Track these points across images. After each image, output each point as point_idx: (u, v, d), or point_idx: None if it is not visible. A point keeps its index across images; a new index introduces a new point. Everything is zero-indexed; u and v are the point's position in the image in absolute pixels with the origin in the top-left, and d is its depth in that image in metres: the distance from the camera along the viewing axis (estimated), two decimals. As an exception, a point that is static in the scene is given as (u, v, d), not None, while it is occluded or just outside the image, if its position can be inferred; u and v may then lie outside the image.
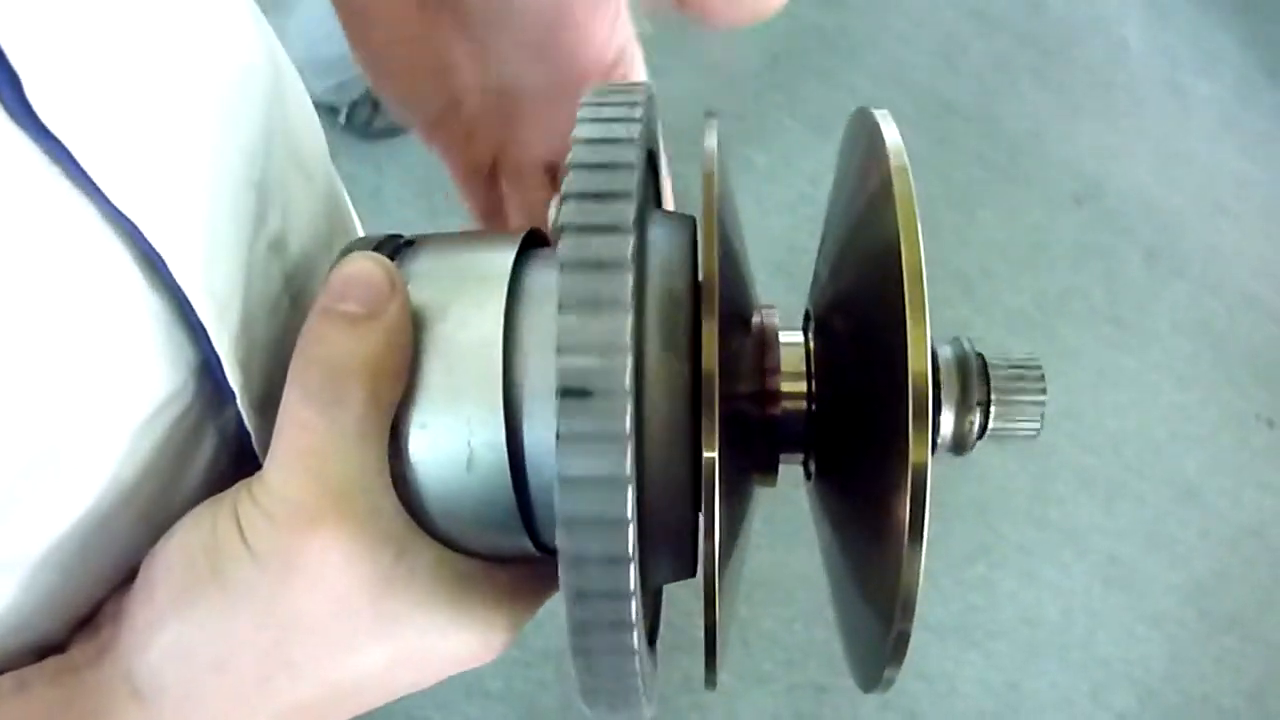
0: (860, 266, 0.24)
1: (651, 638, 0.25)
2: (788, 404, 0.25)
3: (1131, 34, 1.68)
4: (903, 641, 0.21)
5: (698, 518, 0.22)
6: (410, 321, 0.23)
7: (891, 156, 0.22)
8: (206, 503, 0.23)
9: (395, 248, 0.25)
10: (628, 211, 0.20)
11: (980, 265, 1.41)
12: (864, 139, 0.25)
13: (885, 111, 0.24)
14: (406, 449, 0.22)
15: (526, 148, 0.34)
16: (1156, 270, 1.47)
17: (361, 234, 0.35)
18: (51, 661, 0.23)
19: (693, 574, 0.24)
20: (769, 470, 0.26)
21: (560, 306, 0.19)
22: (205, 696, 0.22)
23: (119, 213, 0.19)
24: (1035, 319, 1.39)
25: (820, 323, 0.27)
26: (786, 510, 1.24)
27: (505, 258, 0.24)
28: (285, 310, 0.26)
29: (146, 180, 0.20)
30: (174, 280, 0.21)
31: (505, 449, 0.22)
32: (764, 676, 1.13)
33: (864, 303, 0.23)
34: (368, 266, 0.22)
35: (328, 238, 0.30)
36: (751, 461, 0.26)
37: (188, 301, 0.21)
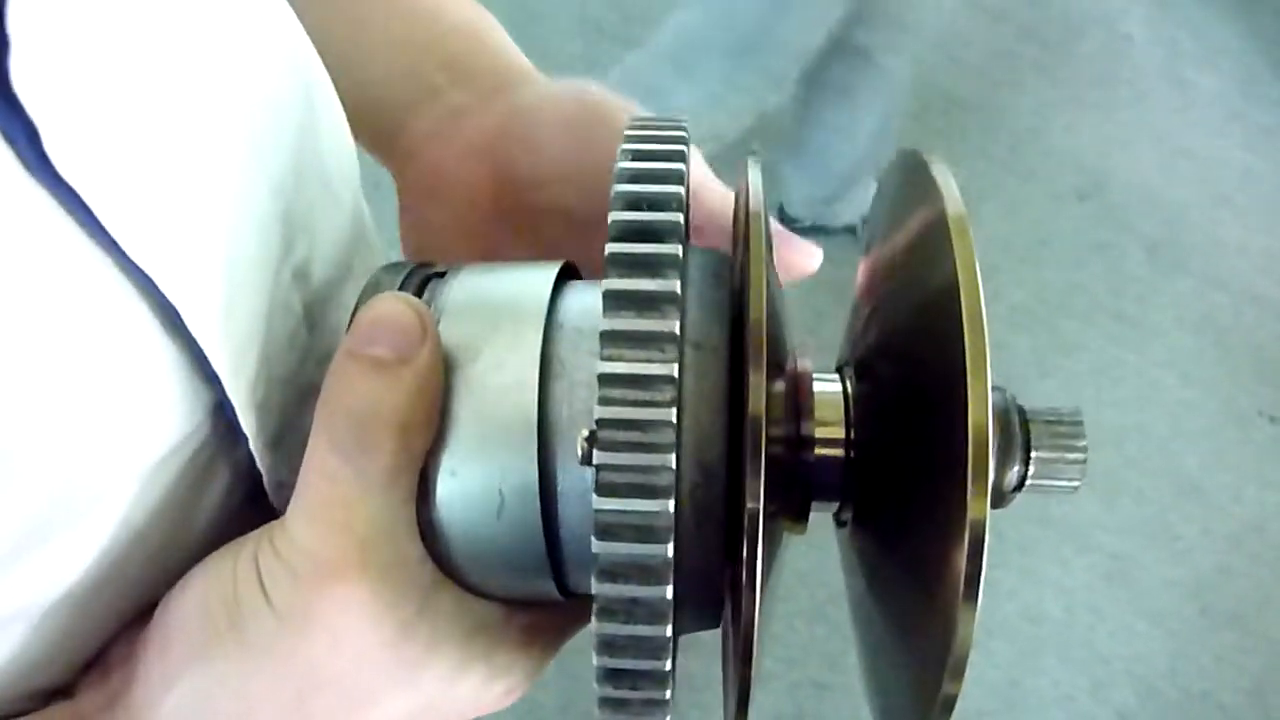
0: (910, 312, 0.23)
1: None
2: (823, 450, 0.24)
3: (1134, 28, 1.67)
4: (950, 703, 0.20)
5: (727, 567, 0.21)
6: (441, 366, 0.22)
7: (949, 203, 0.21)
8: (225, 549, 0.22)
9: (425, 279, 0.24)
10: (675, 249, 0.20)
11: (983, 260, 1.39)
12: (910, 182, 0.24)
13: (936, 157, 0.23)
14: (435, 496, 0.22)
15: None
16: (1159, 265, 1.47)
17: (376, 241, 0.34)
18: (60, 709, 0.22)
19: (716, 624, 0.24)
20: (800, 518, 0.26)
21: (603, 341, 0.19)
22: None
23: (134, 265, 0.18)
24: (1038, 314, 1.39)
25: (860, 368, 0.26)
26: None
27: (541, 294, 0.23)
28: (303, 340, 0.26)
29: (164, 233, 0.19)
30: (189, 331, 0.20)
31: (538, 495, 0.21)
32: (766, 674, 1.13)
33: (914, 350, 0.22)
34: (398, 308, 0.21)
35: (349, 258, 0.29)
36: (783, 509, 0.25)
37: (203, 352, 0.21)
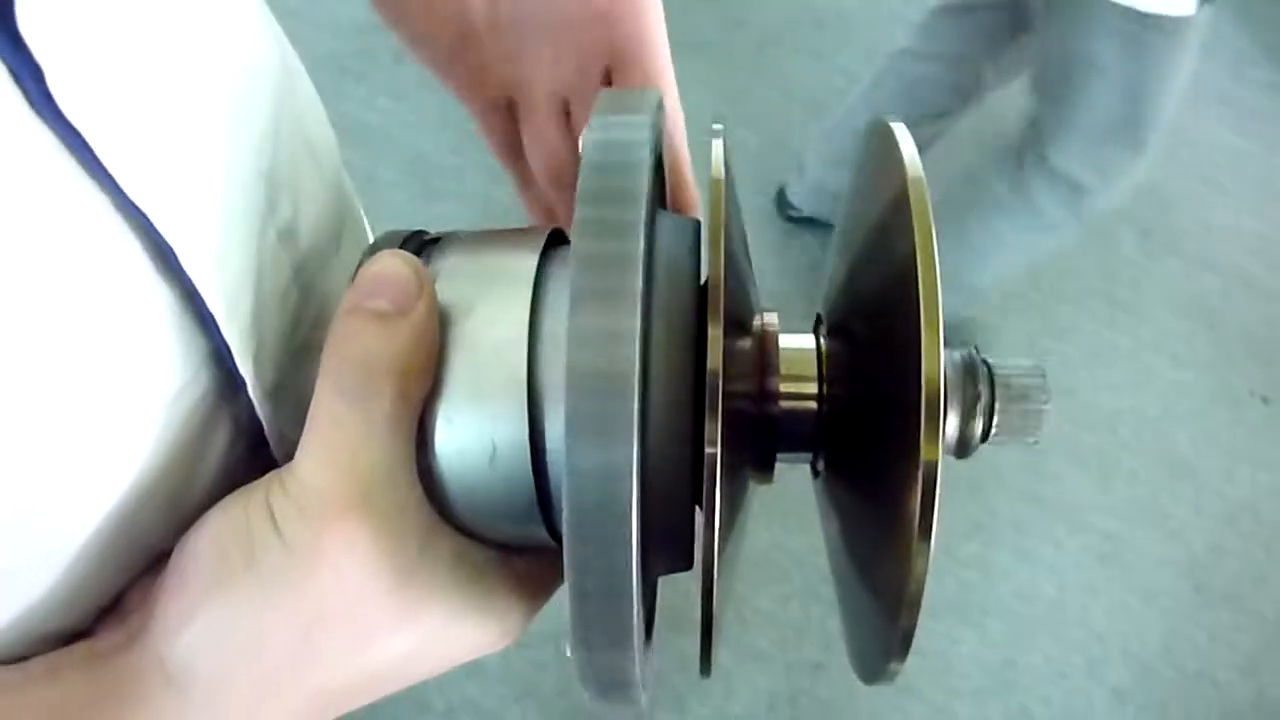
0: (876, 276, 0.24)
1: (647, 629, 0.26)
2: (794, 404, 0.26)
3: (1125, 12, 1.67)
4: (908, 636, 0.21)
5: (695, 512, 0.22)
6: (437, 319, 0.23)
7: (908, 168, 0.22)
8: (236, 494, 0.23)
9: (421, 244, 0.26)
10: (638, 212, 0.21)
11: (974, 245, 1.41)
12: (878, 151, 0.25)
13: (901, 124, 0.24)
14: (432, 443, 0.23)
15: (537, 84, 0.34)
16: (1151, 249, 1.48)
17: (365, 223, 0.35)
18: (81, 647, 0.23)
19: (689, 567, 0.25)
20: (765, 468, 0.27)
21: (572, 301, 0.20)
22: (236, 682, 0.22)
23: (132, 204, 0.19)
24: (1031, 298, 1.40)
25: (833, 327, 0.27)
26: (782, 492, 1.24)
27: (530, 257, 0.24)
28: (295, 301, 0.27)
29: (159, 173, 0.20)
30: (184, 272, 0.21)
31: (528, 444, 0.22)
32: (760, 654, 1.14)
33: (879, 311, 0.24)
34: (396, 265, 0.23)
35: (337, 229, 0.30)
36: (749, 459, 0.26)
37: (198, 293, 0.21)
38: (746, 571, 1.16)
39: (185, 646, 0.22)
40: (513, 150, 0.37)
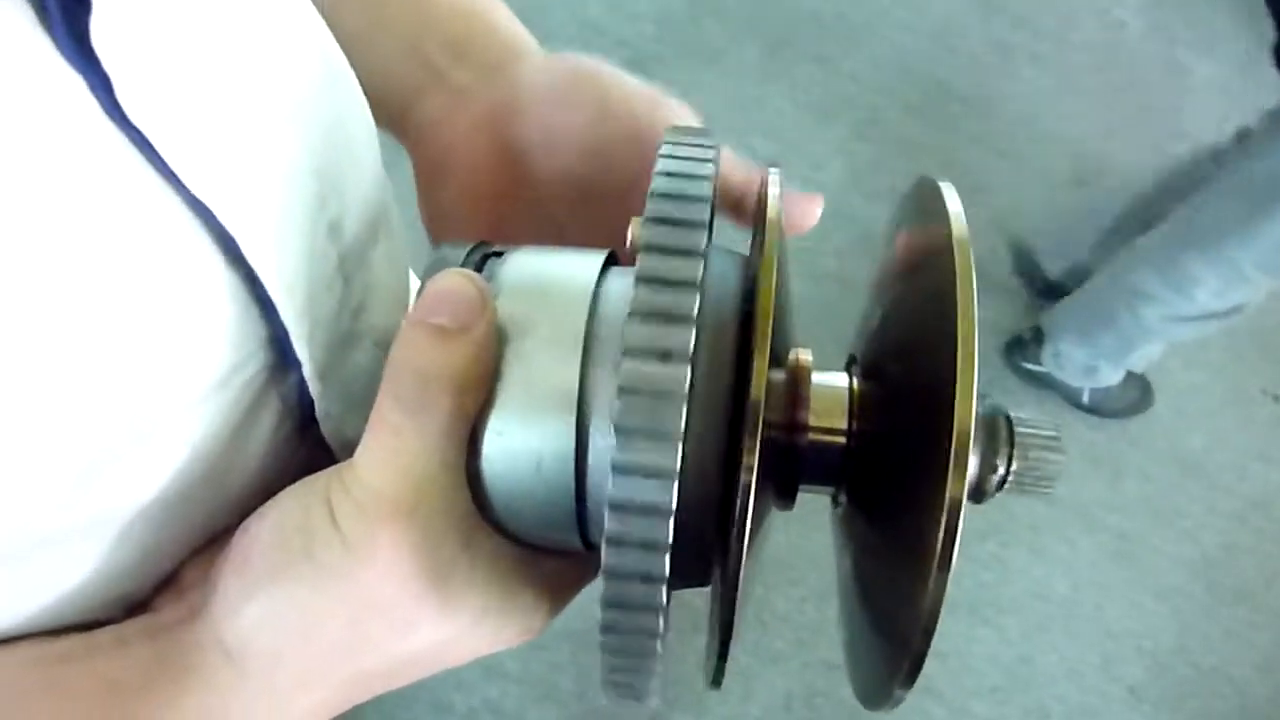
0: (913, 320, 0.26)
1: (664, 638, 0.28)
2: (822, 437, 0.27)
3: (1128, 15, 1.68)
4: (918, 662, 0.22)
5: (718, 533, 0.24)
6: (495, 337, 0.24)
7: (953, 222, 0.24)
8: (298, 485, 0.24)
9: (484, 256, 0.27)
10: (700, 239, 0.22)
11: (984, 247, 1.42)
12: (923, 203, 0.27)
13: (949, 183, 0.26)
14: (482, 451, 0.24)
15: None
16: (1159, 248, 1.48)
17: (397, 218, 0.36)
18: (145, 619, 0.25)
19: (705, 584, 0.26)
20: (788, 496, 0.28)
21: (631, 314, 0.21)
22: (289, 660, 0.24)
23: (196, 199, 0.21)
24: (1040, 300, 1.40)
25: (866, 368, 0.29)
26: (800, 497, 1.25)
27: (588, 278, 0.26)
28: (339, 290, 0.28)
29: (221, 169, 0.21)
30: (246, 260, 0.22)
31: (573, 458, 0.24)
32: (777, 655, 1.14)
33: (914, 354, 0.25)
34: (461, 283, 0.24)
35: (374, 224, 0.31)
36: (773, 486, 0.28)
37: (259, 279, 0.23)
38: (764, 573, 1.17)
39: (244, 624, 0.23)
40: None
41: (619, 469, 0.21)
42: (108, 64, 0.18)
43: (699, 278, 0.22)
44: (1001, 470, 0.26)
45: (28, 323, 0.18)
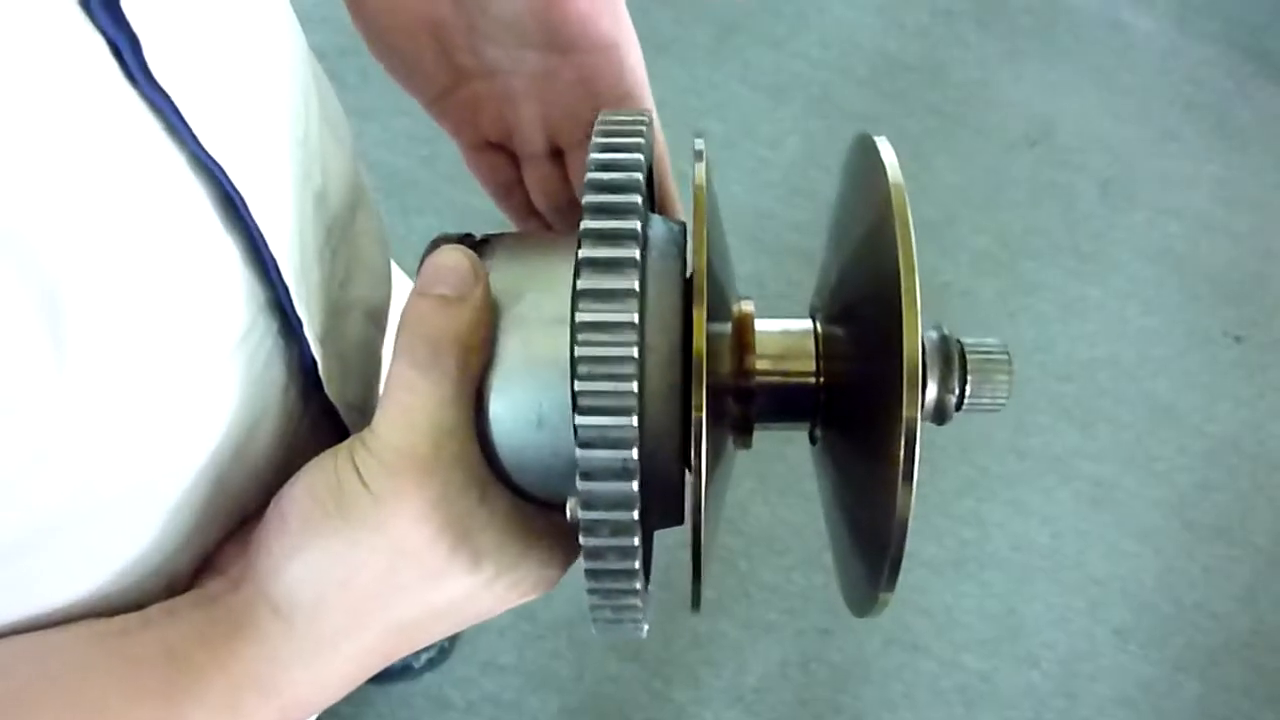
0: (862, 267, 0.29)
1: (645, 571, 0.29)
2: (789, 379, 0.30)
3: (1069, -24, 1.71)
4: (895, 566, 0.25)
5: (685, 474, 0.27)
6: (491, 302, 0.27)
7: (890, 174, 0.26)
8: (325, 453, 0.26)
9: (474, 242, 0.30)
10: (635, 224, 0.25)
11: (942, 211, 1.44)
12: (863, 160, 0.29)
13: (884, 137, 0.28)
14: (489, 407, 0.27)
15: (529, 127, 0.36)
16: (1113, 201, 1.51)
17: (372, 200, 0.38)
18: (191, 593, 0.27)
19: (680, 523, 0.29)
20: (745, 433, 0.31)
21: (578, 298, 0.24)
22: (332, 609, 0.25)
23: (207, 158, 0.22)
24: (1000, 258, 1.43)
25: (828, 314, 0.31)
26: (779, 467, 1.27)
27: (569, 252, 0.28)
28: (328, 260, 0.30)
29: (231, 131, 0.23)
30: (251, 220, 0.24)
31: (570, 411, 0.26)
32: (769, 626, 1.16)
33: (869, 299, 0.28)
34: (456, 256, 0.27)
35: (353, 201, 0.33)
36: (731, 426, 0.30)
37: (262, 239, 0.25)
38: (747, 548, 1.18)
39: (288, 580, 0.25)
40: (505, 189, 0.39)
41: (583, 436, 0.24)
42: (137, 26, 0.19)
43: (636, 257, 0.24)
44: (958, 390, 0.29)
45: (51, 273, 0.19)
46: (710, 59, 1.54)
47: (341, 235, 0.31)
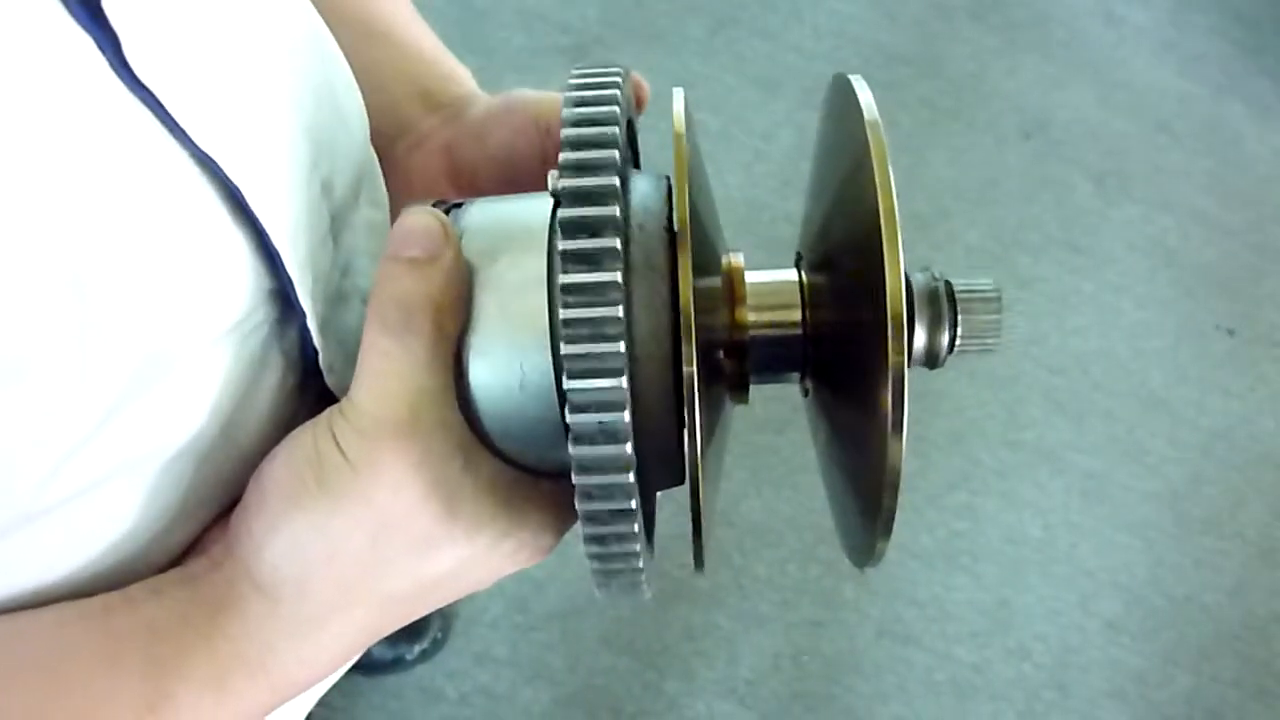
0: (847, 214, 0.27)
1: (648, 533, 0.29)
2: (776, 330, 0.29)
3: (1063, -31, 1.71)
4: (890, 516, 0.24)
5: (682, 431, 0.26)
6: (464, 262, 0.26)
7: (866, 114, 0.25)
8: (303, 426, 0.26)
9: (448, 207, 0.29)
10: (613, 181, 0.24)
11: (936, 205, 1.44)
12: (840, 102, 0.28)
13: (859, 76, 0.27)
14: (468, 372, 0.26)
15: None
16: (1106, 194, 1.51)
17: (381, 182, 0.39)
18: (174, 572, 0.26)
19: (680, 482, 0.28)
20: (741, 389, 0.30)
21: (563, 262, 0.23)
22: (316, 585, 0.25)
23: (202, 152, 0.22)
24: (994, 251, 1.43)
25: (812, 262, 0.30)
26: (771, 460, 1.27)
27: (543, 212, 0.27)
28: (330, 248, 0.30)
29: (224, 125, 0.23)
30: (252, 212, 0.24)
31: (552, 372, 0.25)
32: (762, 618, 1.16)
33: (852, 244, 0.27)
34: (425, 218, 0.26)
35: (357, 186, 0.33)
36: (726, 381, 0.29)
37: (265, 231, 0.24)
38: (741, 541, 1.18)
39: (272, 556, 0.25)
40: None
41: (574, 406, 0.23)
42: (116, 24, 0.19)
43: (616, 216, 0.23)
44: (948, 332, 0.28)
45: (45, 261, 0.19)
46: (703, 51, 1.53)
47: (344, 222, 0.31)
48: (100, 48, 0.19)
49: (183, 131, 0.21)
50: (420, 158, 0.38)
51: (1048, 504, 1.27)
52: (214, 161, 0.22)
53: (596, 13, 1.52)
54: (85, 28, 0.19)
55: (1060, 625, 1.21)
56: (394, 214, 0.37)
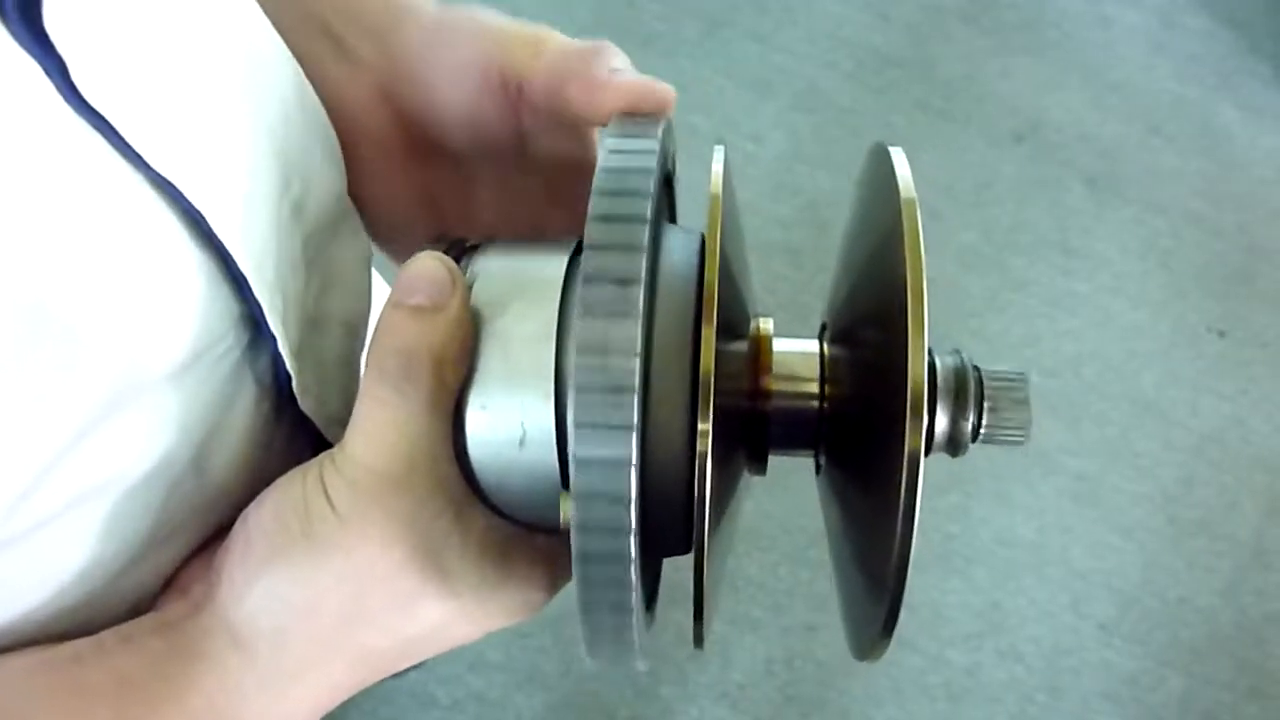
0: (875, 288, 0.27)
1: (650, 601, 0.28)
2: (792, 403, 0.28)
3: (1055, -29, 1.71)
4: (895, 612, 0.23)
5: (689, 500, 0.24)
6: (470, 314, 0.25)
7: (902, 189, 0.25)
8: (293, 471, 0.25)
9: (461, 250, 0.28)
10: (642, 235, 0.23)
11: (929, 207, 1.43)
12: (877, 171, 0.28)
13: (899, 148, 0.27)
14: (467, 426, 0.25)
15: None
16: (1099, 196, 1.51)
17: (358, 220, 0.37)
18: (149, 617, 0.25)
19: (688, 550, 0.26)
20: (759, 460, 0.29)
21: (582, 313, 0.22)
22: (294, 638, 0.24)
23: (161, 177, 0.21)
24: (986, 254, 1.43)
25: (836, 335, 0.30)
26: (770, 461, 1.26)
27: (559, 263, 0.27)
28: (303, 271, 0.29)
29: (182, 148, 0.22)
30: (216, 237, 0.23)
31: (554, 431, 0.25)
32: (755, 622, 1.16)
33: (876, 320, 0.26)
34: (432, 265, 0.25)
35: (336, 216, 0.32)
36: (744, 452, 0.29)
37: (230, 256, 0.24)
38: (736, 541, 1.18)
39: (250, 607, 0.24)
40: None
41: (579, 461, 0.22)
42: (62, 48, 0.19)
43: (641, 273, 0.22)
44: (973, 421, 0.27)
45: (1, 289, 0.19)
46: (696, 53, 1.53)
47: (319, 247, 0.30)
48: (46, 72, 0.19)
49: (138, 155, 0.21)
50: (358, 102, 0.31)
51: (1040, 506, 1.27)
52: (172, 185, 0.22)
53: (589, 15, 1.52)
54: (29, 51, 0.18)
55: (1053, 628, 1.21)
56: (373, 219, 0.35)
